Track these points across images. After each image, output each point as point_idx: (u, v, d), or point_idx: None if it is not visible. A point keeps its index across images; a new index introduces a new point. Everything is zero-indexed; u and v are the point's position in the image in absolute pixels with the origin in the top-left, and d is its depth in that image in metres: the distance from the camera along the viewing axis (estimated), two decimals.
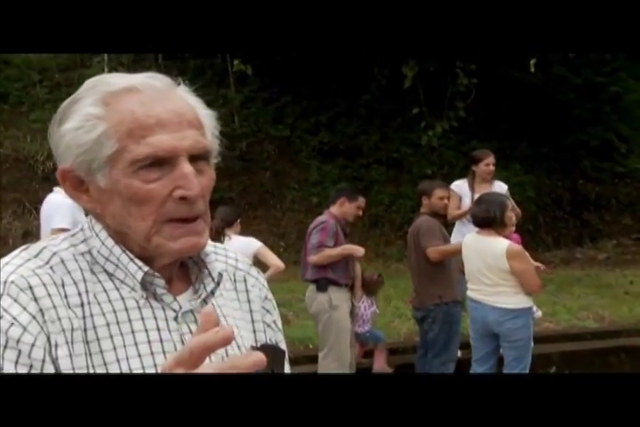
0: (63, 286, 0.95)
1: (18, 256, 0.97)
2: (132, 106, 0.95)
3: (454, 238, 6.05)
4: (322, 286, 4.96)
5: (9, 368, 0.88)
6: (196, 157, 0.97)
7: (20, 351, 0.89)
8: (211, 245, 1.13)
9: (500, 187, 6.11)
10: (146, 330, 0.98)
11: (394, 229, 11.59)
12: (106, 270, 0.99)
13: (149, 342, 0.97)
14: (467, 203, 5.94)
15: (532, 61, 10.27)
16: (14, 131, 11.13)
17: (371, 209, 11.04)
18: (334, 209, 5.06)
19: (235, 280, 1.15)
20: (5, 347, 0.88)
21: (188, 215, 0.97)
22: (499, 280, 4.31)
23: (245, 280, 1.16)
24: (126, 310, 0.97)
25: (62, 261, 0.97)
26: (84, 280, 0.97)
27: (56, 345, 0.92)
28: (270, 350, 1.04)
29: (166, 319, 1.00)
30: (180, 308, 1.02)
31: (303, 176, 11.80)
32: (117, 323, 0.96)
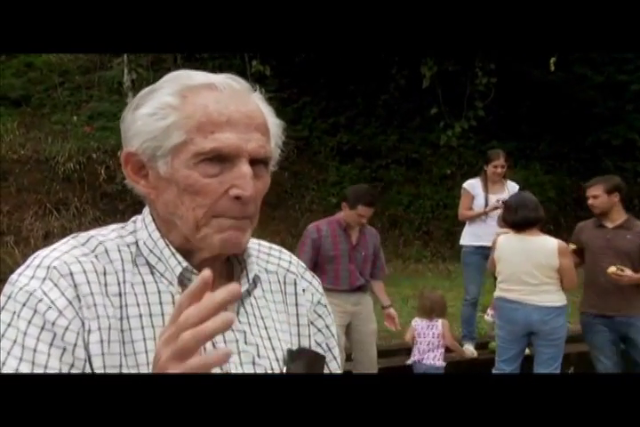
0: (105, 274, 0.99)
1: (66, 243, 1.01)
2: (206, 101, 0.98)
3: (468, 240, 6.00)
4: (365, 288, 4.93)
5: (42, 349, 0.92)
6: (256, 161, 1.00)
7: (55, 334, 0.93)
8: (265, 246, 1.18)
9: (513, 187, 6.08)
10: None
11: (412, 229, 11.55)
12: (148, 262, 1.02)
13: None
14: (480, 202, 5.91)
15: (552, 60, 10.18)
16: (36, 132, 11.25)
17: (389, 209, 11.02)
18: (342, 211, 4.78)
19: (284, 282, 1.16)
20: (42, 328, 0.93)
21: (239, 215, 1.00)
22: (545, 279, 4.36)
23: (296, 284, 1.17)
24: (161, 303, 1.00)
25: (106, 251, 1.00)
26: (124, 271, 1.00)
27: (89, 331, 0.95)
28: (308, 355, 1.06)
29: None
30: None
31: (322, 177, 11.80)
32: (150, 315, 0.99)
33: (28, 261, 0.98)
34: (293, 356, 1.06)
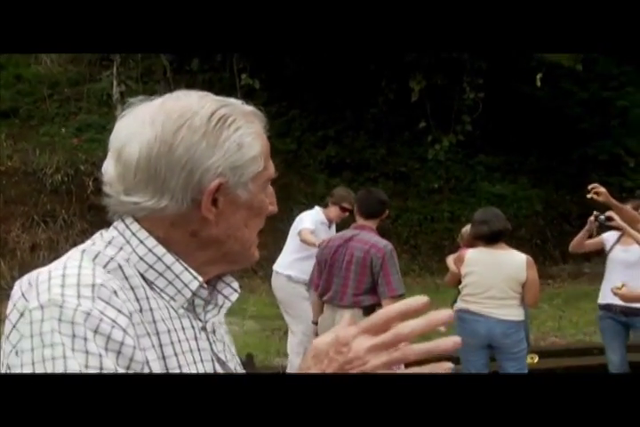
0: (128, 290, 0.96)
1: (84, 260, 0.95)
2: (260, 129, 1.06)
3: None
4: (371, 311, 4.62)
5: (109, 367, 0.86)
6: None
7: (123, 354, 0.88)
8: None
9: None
10: (187, 340, 1.00)
11: (400, 242, 11.57)
12: (145, 279, 0.99)
13: (191, 351, 1.00)
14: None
15: (539, 76, 10.30)
16: (24, 144, 11.22)
17: None
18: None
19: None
20: (110, 350, 0.87)
21: (262, 228, 1.09)
22: (511, 293, 4.43)
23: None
24: (171, 318, 1.00)
25: (120, 267, 0.97)
26: (142, 286, 0.98)
27: (144, 349, 0.93)
28: (247, 363, 1.13)
29: (198, 329, 1.04)
30: (205, 318, 1.06)
31: (310, 189, 11.82)
32: (168, 331, 0.98)
33: (53, 280, 0.90)
34: (245, 363, 1.13)
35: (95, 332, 0.87)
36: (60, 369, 0.84)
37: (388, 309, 0.87)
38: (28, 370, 0.85)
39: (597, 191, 4.53)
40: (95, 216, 10.07)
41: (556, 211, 12.44)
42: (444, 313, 0.85)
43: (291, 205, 11.63)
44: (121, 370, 0.87)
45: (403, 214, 11.90)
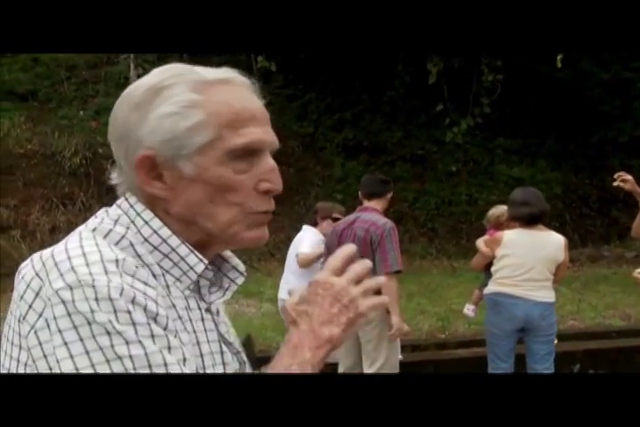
0: (146, 267, 0.95)
1: (97, 238, 0.94)
2: (228, 97, 0.97)
3: None
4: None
5: (160, 333, 0.87)
6: (270, 153, 1.02)
7: (158, 323, 0.88)
8: None
9: None
10: (196, 320, 1.00)
11: (418, 225, 11.56)
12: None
13: (200, 331, 1.00)
14: None
15: (559, 57, 10.15)
16: (42, 127, 11.29)
17: (395, 206, 11.02)
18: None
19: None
20: (148, 318, 0.87)
21: (269, 208, 1.00)
22: (548, 274, 4.44)
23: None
24: (177, 298, 0.99)
25: (132, 245, 0.96)
26: (156, 264, 0.97)
27: (174, 319, 0.94)
28: (247, 340, 1.13)
29: (204, 310, 1.03)
30: (210, 299, 1.05)
31: (327, 173, 11.80)
32: (185, 308, 0.99)
33: (75, 260, 0.89)
34: (245, 344, 1.12)
35: (134, 303, 0.87)
36: (117, 342, 0.84)
37: (337, 255, 1.03)
38: (77, 347, 0.84)
39: (624, 179, 4.50)
40: (113, 199, 10.09)
41: (575, 194, 12.33)
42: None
43: (307, 188, 11.64)
44: (159, 340, 0.87)
45: (420, 198, 11.86)
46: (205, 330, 1.01)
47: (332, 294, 0.98)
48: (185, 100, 0.96)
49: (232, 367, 1.03)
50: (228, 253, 1.09)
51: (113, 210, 1.02)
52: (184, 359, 0.89)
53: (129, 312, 0.86)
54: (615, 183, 4.54)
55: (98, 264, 0.88)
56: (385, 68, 11.88)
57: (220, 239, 1.01)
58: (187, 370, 0.88)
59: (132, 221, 0.99)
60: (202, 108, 0.96)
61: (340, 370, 4.44)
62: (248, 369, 1.08)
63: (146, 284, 0.90)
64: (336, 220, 4.98)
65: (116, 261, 0.90)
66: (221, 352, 1.02)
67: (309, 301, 0.99)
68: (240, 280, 1.09)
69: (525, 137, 12.53)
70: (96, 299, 0.85)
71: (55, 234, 9.52)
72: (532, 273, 4.42)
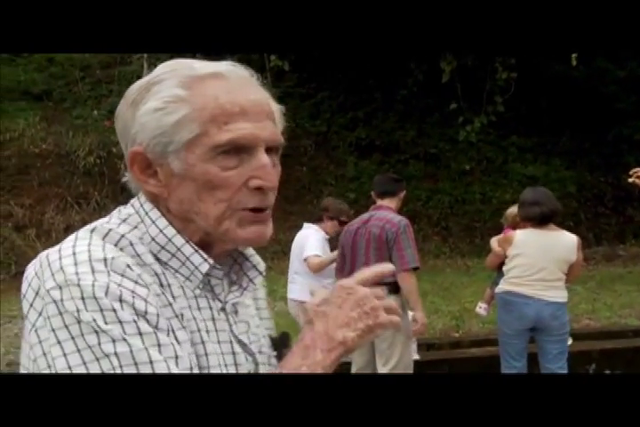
0: (144, 266, 0.95)
1: (92, 238, 0.94)
2: (216, 91, 0.95)
3: None
4: (394, 288, 4.11)
5: (147, 330, 0.87)
6: (270, 149, 0.98)
7: (148, 322, 0.88)
8: None
9: None
10: (204, 320, 0.99)
11: (431, 224, 11.53)
12: (158, 259, 0.97)
13: (208, 331, 0.99)
14: None
15: (574, 55, 10.08)
16: (57, 127, 11.38)
17: (408, 204, 11.00)
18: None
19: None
20: (137, 315, 0.87)
21: (261, 205, 0.97)
22: (560, 274, 4.40)
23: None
24: (187, 298, 0.98)
25: (131, 244, 0.95)
26: (157, 263, 0.96)
27: (168, 318, 0.92)
28: (283, 336, 1.13)
29: (216, 309, 1.02)
30: (225, 299, 1.04)
31: (340, 172, 11.80)
32: (189, 308, 0.98)
33: (65, 260, 0.89)
34: (276, 342, 1.10)
35: (120, 301, 0.87)
36: (104, 340, 0.84)
37: (371, 268, 1.03)
38: (70, 346, 0.85)
39: (639, 175, 4.49)
40: (127, 198, 10.14)
41: (589, 193, 12.25)
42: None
43: (320, 187, 11.63)
44: (147, 338, 0.87)
45: (434, 196, 11.83)
46: (216, 330, 1.00)
47: (355, 299, 0.97)
48: (170, 96, 0.95)
49: (245, 368, 1.01)
50: (250, 252, 1.08)
51: (126, 208, 1.02)
52: (176, 357, 0.88)
53: (114, 310, 0.86)
54: (630, 179, 4.52)
55: (85, 264, 0.89)
56: (398, 67, 11.85)
57: (217, 238, 0.99)
58: (177, 368, 0.87)
59: (142, 220, 0.99)
60: (187, 103, 0.94)
61: (354, 369, 4.43)
62: (270, 369, 1.06)
63: (136, 282, 0.90)
64: (342, 223, 4.91)
65: (105, 260, 0.90)
66: (233, 353, 1.00)
67: (331, 302, 0.98)
68: (258, 280, 1.08)
69: (539, 135, 12.46)
70: (82, 298, 0.86)
71: (70, 233, 9.51)
72: (544, 273, 4.39)
